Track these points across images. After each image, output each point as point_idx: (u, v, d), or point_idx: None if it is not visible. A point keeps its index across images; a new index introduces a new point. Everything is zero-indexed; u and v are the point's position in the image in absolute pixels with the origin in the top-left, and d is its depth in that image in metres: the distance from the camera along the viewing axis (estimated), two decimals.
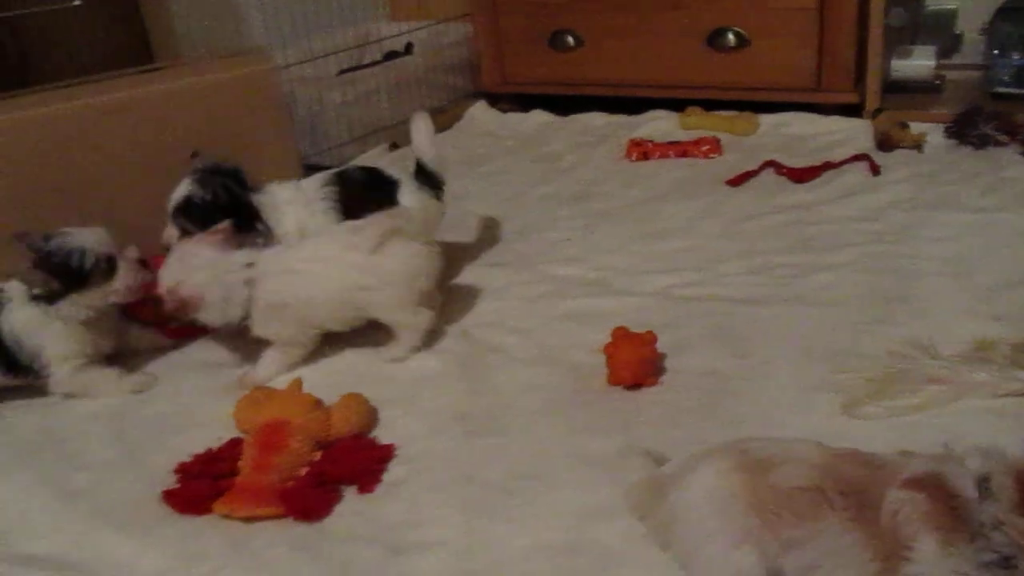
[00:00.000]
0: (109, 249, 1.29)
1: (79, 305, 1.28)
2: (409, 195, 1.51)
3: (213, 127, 1.47)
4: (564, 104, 2.50)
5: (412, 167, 1.56)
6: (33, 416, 1.31)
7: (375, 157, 2.32)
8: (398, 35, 2.66)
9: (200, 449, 1.16)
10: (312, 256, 1.33)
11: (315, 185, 1.52)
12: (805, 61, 2.15)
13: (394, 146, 2.42)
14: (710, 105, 2.28)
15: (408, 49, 2.69)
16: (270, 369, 1.33)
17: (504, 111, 2.60)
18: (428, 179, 1.54)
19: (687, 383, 1.20)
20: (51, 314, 1.27)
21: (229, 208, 1.40)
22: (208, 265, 1.29)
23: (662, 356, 1.25)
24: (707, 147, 2.07)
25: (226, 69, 1.49)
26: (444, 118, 2.57)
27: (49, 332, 1.28)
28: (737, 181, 1.87)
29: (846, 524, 0.79)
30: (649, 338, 1.22)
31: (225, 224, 1.33)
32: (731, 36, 2.22)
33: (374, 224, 1.32)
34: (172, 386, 1.35)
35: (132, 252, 1.33)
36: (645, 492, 0.95)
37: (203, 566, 0.98)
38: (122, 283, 1.31)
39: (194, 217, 1.41)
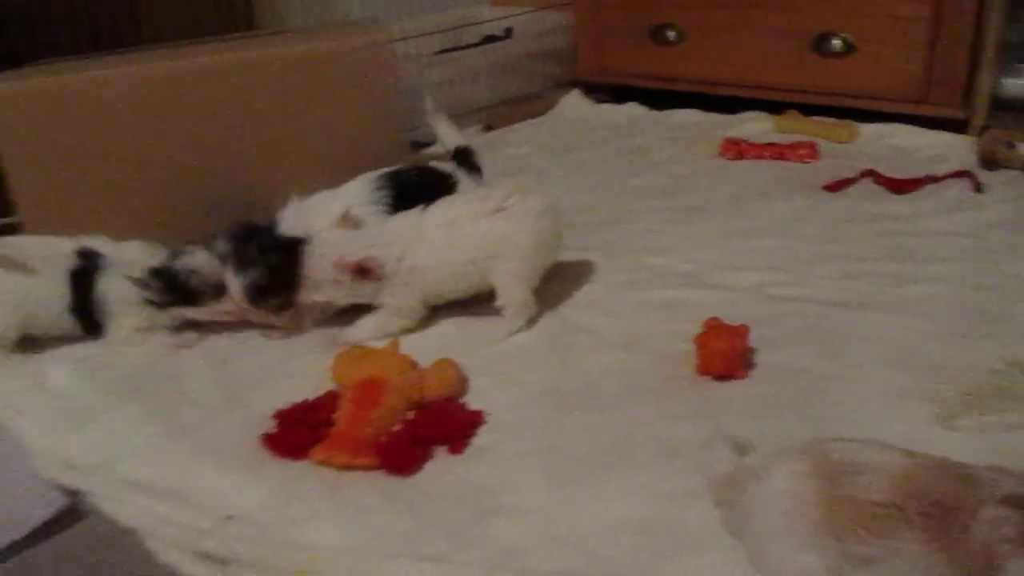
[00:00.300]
0: (218, 275, 1.35)
1: (179, 315, 1.38)
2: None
3: (325, 94, 1.49)
4: (658, 98, 2.51)
5: (451, 156, 1.57)
6: (142, 356, 1.37)
7: (469, 137, 2.36)
8: (498, 19, 2.69)
9: (297, 398, 1.21)
10: (438, 220, 1.35)
11: (365, 188, 1.49)
12: (912, 72, 2.12)
13: (488, 127, 2.46)
14: (808, 110, 2.26)
15: (507, 34, 2.72)
16: (365, 333, 1.36)
17: (598, 102, 2.61)
18: (471, 166, 1.55)
19: (777, 379, 1.21)
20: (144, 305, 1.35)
21: (287, 270, 1.36)
22: (352, 239, 1.35)
23: (752, 351, 1.25)
24: (804, 151, 2.06)
25: (341, 38, 1.52)
26: (538, 105, 2.60)
27: (130, 308, 1.36)
28: (834, 187, 1.85)
29: (925, 544, 0.77)
30: (742, 331, 1.22)
31: (342, 208, 1.37)
32: (837, 41, 2.20)
33: (494, 194, 1.36)
34: (268, 343, 1.39)
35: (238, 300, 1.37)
36: (727, 482, 0.96)
37: (301, 506, 1.02)
38: (223, 309, 1.37)
39: (269, 294, 1.36)
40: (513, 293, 1.35)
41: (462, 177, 1.54)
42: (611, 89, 2.65)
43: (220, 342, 1.39)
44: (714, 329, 1.23)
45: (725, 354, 1.21)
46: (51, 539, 1.02)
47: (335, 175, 1.39)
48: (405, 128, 2.18)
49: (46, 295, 1.34)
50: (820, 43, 2.22)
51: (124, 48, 1.78)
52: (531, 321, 1.39)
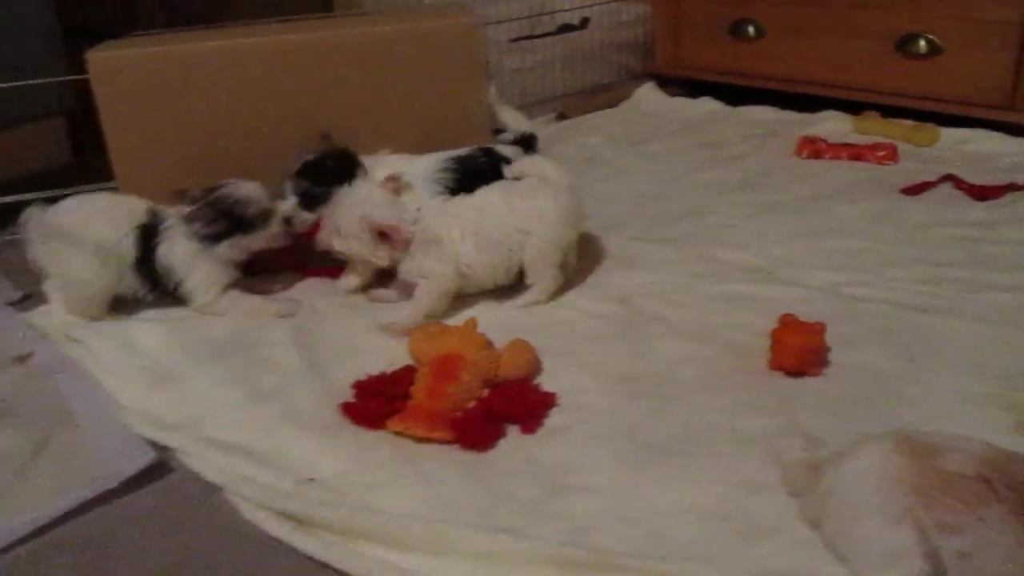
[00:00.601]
0: (266, 201, 1.42)
1: (237, 247, 1.42)
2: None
3: (415, 75, 1.52)
4: (731, 93, 2.49)
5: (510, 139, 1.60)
6: (225, 321, 1.42)
7: (541, 125, 2.38)
8: (575, 8, 2.69)
9: (373, 371, 1.24)
10: (472, 203, 1.40)
11: (431, 166, 1.52)
12: (999, 77, 2.07)
13: (561, 116, 2.47)
14: (888, 111, 2.23)
15: (583, 24, 2.72)
16: (411, 319, 1.36)
17: (672, 95, 2.60)
18: (531, 148, 1.58)
19: (850, 377, 1.20)
20: (205, 253, 1.40)
21: (344, 170, 1.44)
22: (388, 204, 1.38)
23: (827, 349, 1.25)
24: (883, 153, 2.03)
25: (434, 19, 1.55)
26: (612, 95, 2.61)
27: (197, 267, 1.40)
28: (913, 191, 1.83)
29: (1008, 517, 0.78)
30: (818, 328, 1.22)
31: (396, 174, 1.41)
32: (923, 43, 2.16)
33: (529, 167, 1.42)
34: (345, 317, 1.43)
35: (286, 205, 1.44)
36: (802, 469, 0.97)
37: (377, 474, 1.05)
38: (275, 231, 1.43)
39: (314, 178, 1.45)
40: (539, 266, 1.40)
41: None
42: (684, 82, 2.64)
43: (301, 315, 1.43)
44: (789, 325, 1.23)
45: (799, 350, 1.21)
46: (141, 491, 1.07)
47: (418, 155, 1.42)
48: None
49: (116, 252, 1.39)
50: (904, 44, 2.18)
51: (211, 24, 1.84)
52: (601, 308, 1.41)
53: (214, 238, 1.39)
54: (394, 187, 1.43)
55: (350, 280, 1.48)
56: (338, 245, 1.39)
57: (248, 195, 1.40)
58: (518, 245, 1.39)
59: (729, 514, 0.97)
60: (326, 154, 1.43)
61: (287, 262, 1.55)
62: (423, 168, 1.51)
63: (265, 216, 1.42)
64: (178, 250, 1.39)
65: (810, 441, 1.03)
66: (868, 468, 0.86)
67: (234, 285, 1.44)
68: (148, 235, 1.39)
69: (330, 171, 1.41)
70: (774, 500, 0.98)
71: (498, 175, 1.50)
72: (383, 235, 1.36)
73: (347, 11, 2.61)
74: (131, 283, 1.41)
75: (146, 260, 1.39)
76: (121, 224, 1.38)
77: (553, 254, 1.41)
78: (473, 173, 1.50)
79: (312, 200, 1.45)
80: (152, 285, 1.41)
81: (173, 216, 1.41)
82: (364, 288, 1.48)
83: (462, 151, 1.55)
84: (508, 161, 1.54)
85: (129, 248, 1.38)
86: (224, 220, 1.39)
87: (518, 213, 1.39)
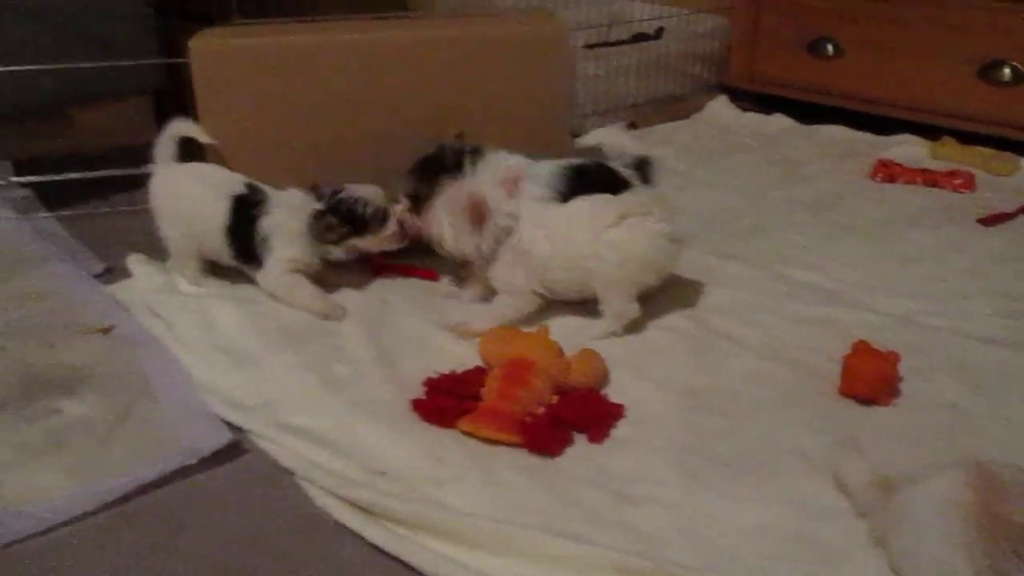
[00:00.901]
0: (384, 203, 1.45)
1: (354, 247, 1.47)
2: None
3: (503, 78, 1.52)
4: (802, 110, 2.47)
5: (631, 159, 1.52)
6: (296, 311, 1.44)
7: (613, 134, 2.38)
8: (651, 19, 2.68)
9: (442, 368, 1.26)
10: (564, 216, 1.36)
11: (548, 171, 1.45)
12: None
13: (632, 125, 2.47)
14: (967, 138, 2.19)
15: (658, 34, 2.72)
16: (486, 323, 1.36)
17: (744, 109, 2.59)
18: (647, 178, 1.49)
19: (923, 409, 1.19)
20: (307, 238, 1.43)
21: (452, 166, 1.41)
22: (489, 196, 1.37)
23: (899, 378, 1.24)
24: (959, 180, 1.99)
25: (523, 23, 1.56)
26: (683, 107, 2.60)
27: (292, 247, 1.43)
28: (990, 221, 1.80)
29: None
30: (892, 357, 1.21)
31: (515, 173, 1.39)
32: (1007, 70, 2.12)
33: (626, 201, 1.36)
34: (416, 312, 1.44)
35: (399, 208, 1.46)
36: (872, 489, 0.97)
37: (447, 471, 1.07)
38: (391, 232, 1.46)
39: (425, 175, 1.42)
40: (613, 299, 1.36)
41: (637, 185, 1.47)
42: (756, 97, 2.62)
43: (372, 308, 1.46)
44: (863, 351, 1.22)
45: (871, 378, 1.20)
46: (215, 469, 1.10)
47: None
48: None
49: (210, 212, 1.44)
50: (988, 70, 2.14)
51: (300, 15, 1.87)
52: (670, 323, 1.41)
53: (332, 241, 1.45)
54: (511, 187, 1.38)
55: (472, 291, 1.48)
56: (434, 230, 1.39)
57: (367, 197, 1.44)
58: (592, 273, 1.35)
59: (799, 538, 0.97)
60: (436, 152, 1.42)
61: (373, 260, 1.57)
62: (539, 171, 1.45)
63: (382, 219, 1.45)
64: (282, 226, 1.43)
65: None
66: (941, 496, 0.86)
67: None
68: (242, 205, 1.43)
69: (438, 168, 1.41)
70: (845, 525, 0.97)
71: (610, 192, 1.41)
72: (472, 209, 1.34)
73: (421, 11, 2.63)
74: (217, 248, 1.46)
75: (237, 227, 1.43)
76: (218, 191, 1.45)
77: (629, 291, 1.37)
78: (588, 185, 1.42)
79: (420, 200, 1.43)
80: (236, 251, 1.46)
81: (274, 195, 1.45)
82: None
83: (577, 161, 1.48)
84: (626, 183, 1.45)
85: (222, 214, 1.43)
86: (345, 224, 1.44)
87: (601, 241, 1.33)
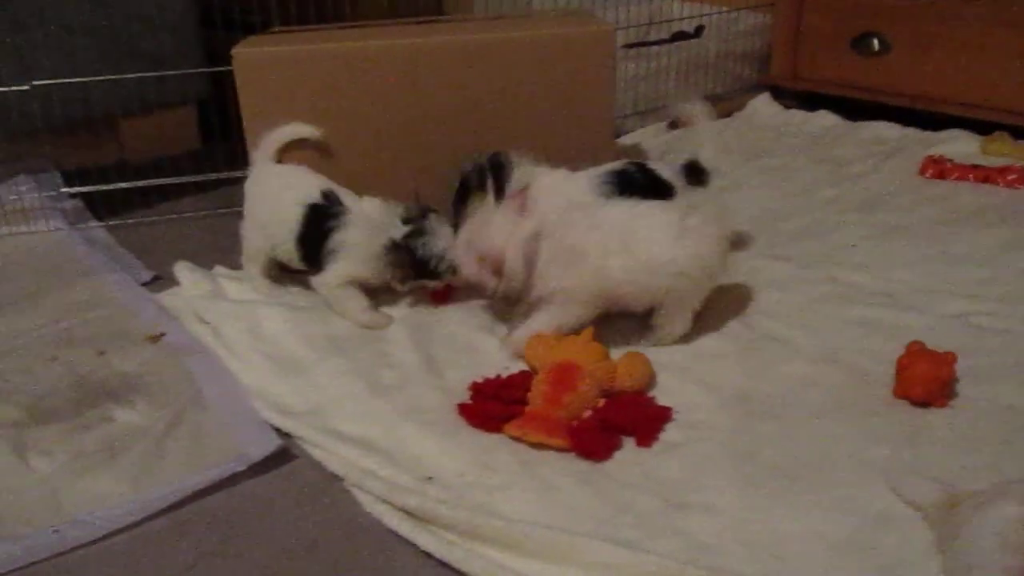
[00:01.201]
0: (453, 255, 1.38)
1: (418, 285, 1.44)
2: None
3: (548, 80, 1.51)
4: (847, 107, 2.43)
5: (682, 163, 1.52)
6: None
7: (653, 134, 2.37)
8: (691, 17, 2.66)
9: (488, 374, 1.26)
10: (622, 219, 1.29)
11: (593, 181, 1.45)
12: None
13: (673, 125, 2.45)
14: (1020, 133, 2.13)
15: (698, 32, 2.69)
16: (533, 329, 1.30)
17: (786, 107, 2.55)
18: (697, 179, 1.50)
19: (982, 411, 1.16)
20: (377, 256, 1.40)
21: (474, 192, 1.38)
22: (504, 228, 1.31)
23: (955, 380, 1.21)
24: (1013, 176, 1.94)
25: (567, 25, 1.54)
26: (725, 106, 2.56)
27: (359, 260, 1.41)
28: None
29: None
30: (949, 359, 1.18)
31: (521, 189, 1.36)
32: None
33: (690, 208, 1.31)
34: (461, 318, 1.44)
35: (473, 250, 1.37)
36: (942, 505, 0.94)
37: (495, 477, 1.06)
38: (448, 279, 1.42)
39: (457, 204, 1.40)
40: (675, 314, 1.32)
41: (681, 187, 1.49)
42: (799, 95, 2.59)
43: (418, 314, 1.46)
44: (918, 353, 1.19)
45: (927, 380, 1.17)
46: (265, 475, 1.11)
47: (543, 161, 1.41)
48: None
49: (284, 219, 1.44)
50: None
51: (341, 22, 1.88)
52: (719, 326, 1.39)
53: (398, 278, 1.42)
54: (519, 205, 1.34)
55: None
56: (465, 271, 1.35)
57: (442, 252, 1.38)
58: (653, 288, 1.28)
59: (857, 547, 0.95)
60: (466, 177, 1.39)
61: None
62: (585, 182, 1.43)
63: (450, 271, 1.40)
64: (352, 243, 1.41)
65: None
66: (993, 531, 0.84)
67: None
68: (316, 214, 1.43)
69: (465, 195, 1.38)
70: (906, 535, 0.95)
71: (655, 196, 1.40)
72: (487, 262, 1.31)
73: (457, 14, 2.63)
74: (289, 252, 1.47)
75: (308, 236, 1.43)
76: (296, 197, 1.44)
77: (695, 303, 1.33)
78: (632, 189, 1.41)
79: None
80: (305, 258, 1.46)
81: (352, 205, 1.43)
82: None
83: (614, 165, 1.47)
84: (669, 185, 1.46)
85: (295, 221, 1.43)
86: (416, 269, 1.40)
87: (661, 257, 1.27)
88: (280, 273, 1.55)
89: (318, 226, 1.42)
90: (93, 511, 1.04)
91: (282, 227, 1.45)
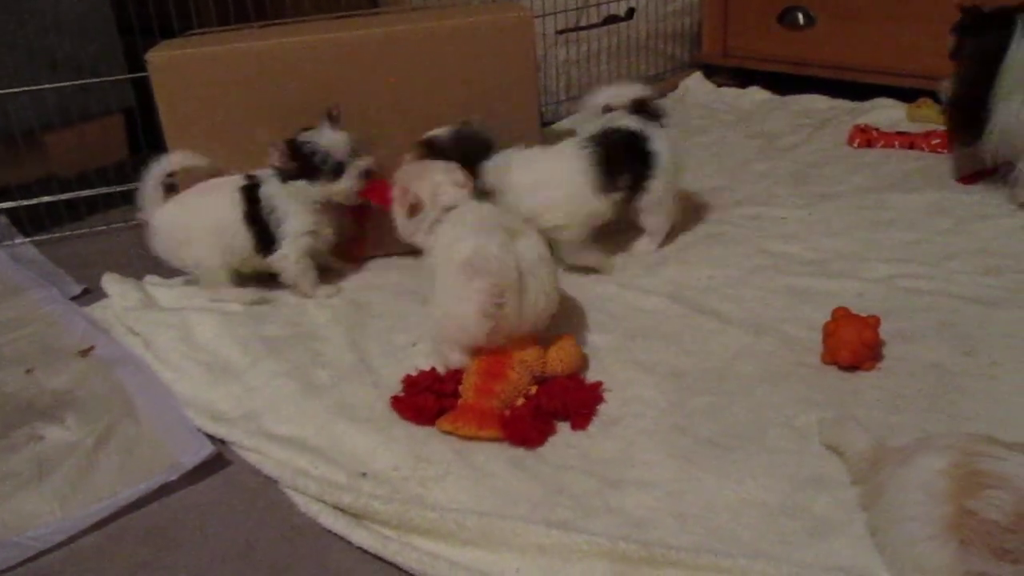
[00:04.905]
0: (342, 156, 1.44)
1: (308, 191, 1.44)
2: (667, 155, 1.52)
3: (468, 69, 1.51)
4: (780, 82, 2.46)
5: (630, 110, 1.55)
6: (280, 314, 1.45)
7: (587, 119, 2.37)
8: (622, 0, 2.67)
9: (423, 367, 1.25)
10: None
11: (574, 146, 1.49)
12: None
13: (608, 108, 2.45)
14: None
15: (629, 14, 2.70)
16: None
17: (719, 85, 2.57)
18: (652, 114, 1.54)
19: (908, 372, 1.18)
20: (290, 193, 1.44)
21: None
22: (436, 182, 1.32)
23: (882, 343, 1.23)
24: (937, 141, 1.98)
25: (484, 13, 1.54)
26: (658, 87, 2.57)
27: (291, 207, 1.44)
28: (970, 180, 1.78)
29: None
30: (872, 322, 1.20)
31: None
32: None
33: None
34: (394, 312, 1.44)
35: (363, 162, 1.45)
36: (865, 460, 0.96)
37: (430, 468, 1.06)
38: (344, 185, 1.44)
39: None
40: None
41: (648, 128, 1.53)
42: (732, 72, 2.61)
43: (350, 310, 1.45)
44: (843, 319, 1.21)
45: (853, 344, 1.19)
46: (200, 483, 1.09)
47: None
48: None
49: (228, 213, 1.44)
50: None
51: (262, 21, 1.85)
52: (653, 304, 1.40)
53: (285, 176, 1.43)
54: (464, 181, 1.33)
55: None
56: (398, 216, 1.35)
57: (321, 144, 1.43)
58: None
59: (789, 510, 0.96)
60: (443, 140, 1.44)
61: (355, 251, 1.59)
62: (568, 154, 1.48)
63: (335, 169, 1.43)
64: (272, 190, 1.44)
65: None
66: (916, 482, 0.85)
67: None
68: (251, 190, 1.45)
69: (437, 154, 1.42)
70: (837, 496, 0.97)
71: (634, 149, 1.50)
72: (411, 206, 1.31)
73: (391, 7, 2.61)
74: (243, 244, 1.46)
75: (252, 212, 1.45)
76: (225, 190, 1.46)
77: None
78: (615, 148, 1.48)
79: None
80: (259, 237, 1.46)
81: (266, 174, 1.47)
82: None
83: (591, 131, 1.52)
84: (639, 135, 1.51)
85: (237, 206, 1.44)
86: (297, 162, 1.42)
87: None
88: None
89: (256, 200, 1.44)
90: (23, 532, 1.02)
91: (231, 220, 1.44)
